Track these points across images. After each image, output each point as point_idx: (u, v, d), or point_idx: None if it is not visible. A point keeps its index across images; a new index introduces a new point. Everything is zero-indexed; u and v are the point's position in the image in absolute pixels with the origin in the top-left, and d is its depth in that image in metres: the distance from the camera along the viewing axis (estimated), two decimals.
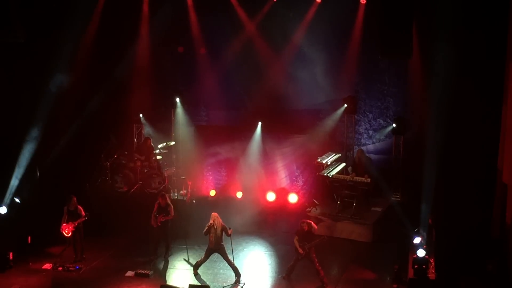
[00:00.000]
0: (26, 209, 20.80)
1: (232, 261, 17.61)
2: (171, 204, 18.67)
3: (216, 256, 17.93)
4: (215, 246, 17.44)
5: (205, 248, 17.77)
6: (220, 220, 17.54)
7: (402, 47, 16.73)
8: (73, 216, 18.47)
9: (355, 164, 22.00)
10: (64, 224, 18.44)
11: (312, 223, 17.76)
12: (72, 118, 23.16)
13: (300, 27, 22.92)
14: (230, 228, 17.54)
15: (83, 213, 18.56)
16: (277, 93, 23.67)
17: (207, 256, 17.73)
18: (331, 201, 21.83)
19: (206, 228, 17.39)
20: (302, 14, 22.76)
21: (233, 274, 17.63)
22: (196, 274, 17.81)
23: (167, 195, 18.69)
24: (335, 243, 20.04)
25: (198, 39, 23.99)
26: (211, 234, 17.36)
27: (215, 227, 17.32)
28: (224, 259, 17.59)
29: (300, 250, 17.05)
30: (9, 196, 20.69)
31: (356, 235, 20.52)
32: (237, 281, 17.50)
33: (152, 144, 23.67)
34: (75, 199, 18.63)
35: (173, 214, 18.63)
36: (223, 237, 17.49)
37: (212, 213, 17.64)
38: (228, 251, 17.59)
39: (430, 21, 19.71)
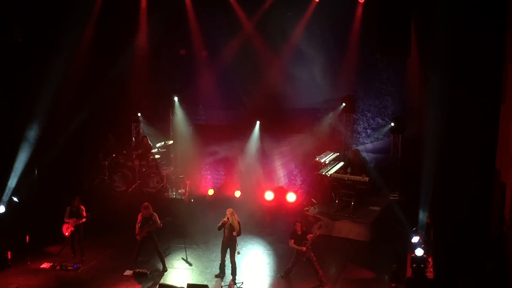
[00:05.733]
0: (24, 208, 20.83)
1: (236, 263, 17.58)
2: (155, 213, 18.12)
3: (214, 255, 17.91)
4: (228, 240, 17.41)
5: (204, 247, 17.75)
6: (236, 216, 17.50)
7: (401, 46, 16.71)
8: (75, 216, 18.44)
9: (350, 164, 21.91)
10: (65, 224, 18.44)
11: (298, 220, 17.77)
12: (70, 118, 23.17)
13: (298, 26, 22.95)
14: (235, 231, 17.44)
15: (84, 213, 18.54)
16: (276, 92, 23.69)
17: (223, 254, 17.62)
18: (329, 200, 21.86)
19: (221, 223, 17.38)
20: (300, 13, 22.78)
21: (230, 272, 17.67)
22: (221, 276, 17.66)
23: (150, 206, 18.11)
24: (333, 242, 20.07)
25: (196, 38, 23.99)
26: (225, 229, 17.34)
27: (230, 222, 17.29)
28: (230, 255, 17.53)
29: (303, 248, 16.99)
30: (7, 195, 20.70)
31: (354, 234, 20.51)
32: (233, 279, 17.49)
33: (149, 142, 23.66)
34: (78, 199, 18.62)
35: (159, 222, 18.10)
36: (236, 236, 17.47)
37: (228, 209, 17.56)
38: (237, 251, 17.59)
39: (428, 20, 19.70)
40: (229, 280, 17.50)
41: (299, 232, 17.22)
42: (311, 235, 17.16)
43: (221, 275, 17.63)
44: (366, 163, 21.94)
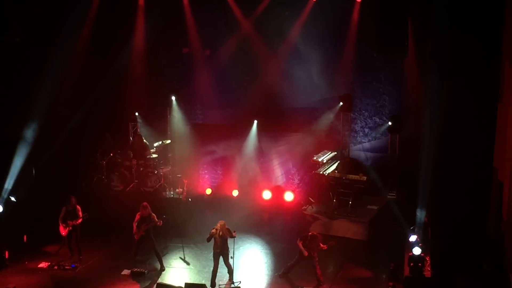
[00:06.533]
0: (21, 208, 20.81)
1: (231, 266, 17.46)
2: (153, 214, 18.09)
3: (212, 255, 17.87)
4: (221, 250, 17.26)
5: (201, 246, 17.69)
6: (225, 228, 17.21)
7: (398, 45, 16.74)
8: (71, 215, 18.42)
9: (342, 161, 21.85)
10: (61, 223, 18.43)
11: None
12: (67, 117, 23.16)
13: (295, 26, 22.91)
14: (234, 231, 17.40)
15: (80, 214, 18.51)
16: (273, 91, 23.65)
17: (216, 260, 17.39)
18: (327, 199, 21.85)
19: (209, 235, 17.22)
20: (297, 12, 22.75)
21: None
22: (214, 286, 17.33)
23: (148, 206, 18.11)
24: (331, 241, 20.04)
25: (194, 37, 23.96)
26: (216, 240, 17.24)
27: (220, 234, 17.17)
28: (224, 261, 17.40)
29: (305, 252, 17.05)
30: (4, 195, 20.67)
31: (352, 233, 20.52)
32: (230, 279, 17.43)
33: (145, 141, 23.62)
34: (74, 199, 18.59)
35: (157, 220, 18.04)
36: (228, 241, 17.37)
37: (219, 221, 17.30)
38: (230, 255, 17.52)
39: (425, 19, 19.73)
40: (226, 280, 17.46)
41: (310, 239, 17.25)
42: (322, 244, 17.19)
43: (213, 284, 17.29)
44: (359, 161, 21.89)
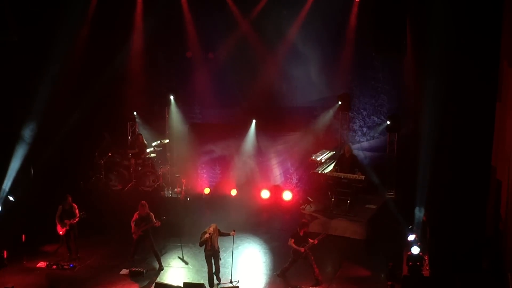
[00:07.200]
0: (20, 208, 20.79)
1: (219, 268, 17.48)
2: (151, 213, 18.19)
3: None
4: (212, 252, 17.25)
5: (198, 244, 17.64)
6: (217, 232, 17.27)
7: (396, 44, 16.77)
8: (68, 214, 18.44)
9: (341, 159, 21.85)
10: (58, 222, 18.43)
11: (305, 222, 17.86)
12: (66, 116, 23.12)
13: (294, 25, 22.91)
14: (234, 230, 17.46)
15: (77, 212, 18.51)
16: (271, 91, 23.67)
17: (210, 262, 17.36)
18: (326, 198, 21.82)
19: (203, 239, 17.13)
20: (296, 11, 22.76)
21: (227, 272, 17.60)
22: (212, 286, 17.28)
23: (147, 204, 18.21)
24: (329, 240, 20.03)
25: (192, 37, 23.96)
26: (208, 242, 17.20)
27: (212, 238, 17.16)
28: (215, 262, 17.41)
29: (302, 249, 17.03)
30: (3, 194, 20.66)
31: (350, 232, 20.51)
32: (217, 279, 17.37)
33: (144, 141, 23.62)
34: (70, 198, 18.60)
35: (155, 221, 18.14)
36: (218, 244, 17.37)
37: (212, 225, 17.34)
38: (224, 255, 17.57)
39: (424, 18, 19.74)
40: (226, 280, 17.43)
41: (301, 234, 17.25)
42: (311, 240, 17.18)
43: (211, 284, 17.28)
44: (357, 160, 21.86)
